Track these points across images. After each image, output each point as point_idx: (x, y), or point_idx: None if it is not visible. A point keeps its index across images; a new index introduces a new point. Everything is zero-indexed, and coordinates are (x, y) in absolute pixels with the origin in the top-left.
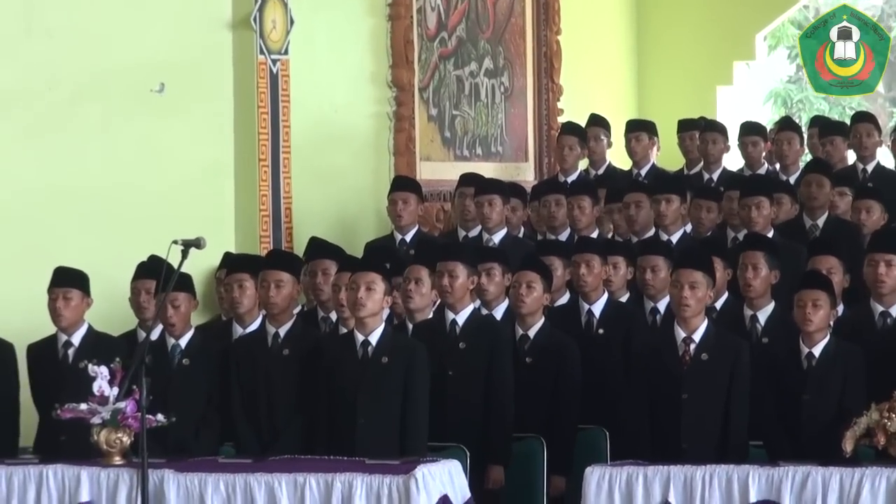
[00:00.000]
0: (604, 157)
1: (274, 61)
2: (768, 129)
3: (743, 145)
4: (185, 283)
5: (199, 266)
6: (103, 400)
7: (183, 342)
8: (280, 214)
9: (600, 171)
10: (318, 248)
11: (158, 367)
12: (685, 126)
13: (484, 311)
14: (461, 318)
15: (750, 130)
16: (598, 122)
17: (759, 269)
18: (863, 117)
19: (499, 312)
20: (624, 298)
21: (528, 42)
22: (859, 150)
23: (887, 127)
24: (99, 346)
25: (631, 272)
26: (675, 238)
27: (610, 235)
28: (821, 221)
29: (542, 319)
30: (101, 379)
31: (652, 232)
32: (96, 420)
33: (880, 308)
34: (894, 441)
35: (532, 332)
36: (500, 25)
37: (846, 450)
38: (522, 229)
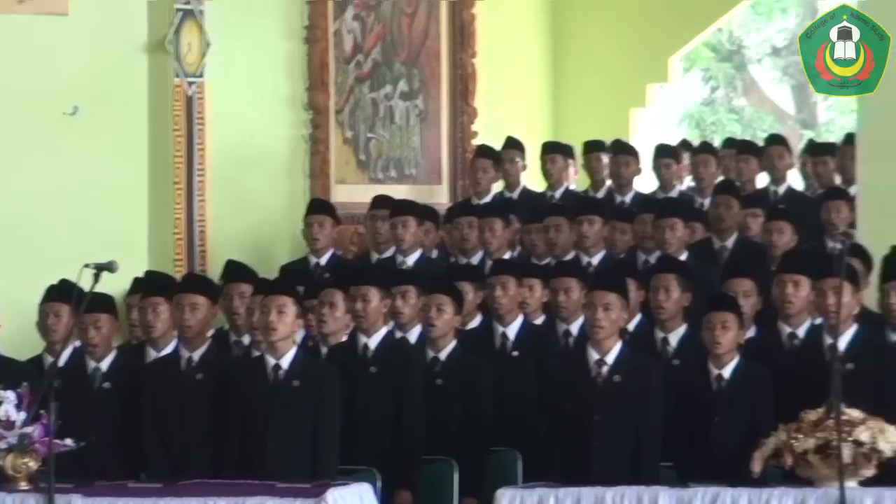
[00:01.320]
0: (518, 180)
1: (190, 84)
2: (681, 151)
3: (657, 167)
4: (106, 304)
5: (112, 290)
6: (9, 425)
7: (104, 365)
8: (194, 237)
9: (515, 194)
10: (235, 270)
11: (77, 391)
12: (592, 147)
13: (398, 334)
14: (373, 341)
15: (664, 153)
16: (513, 144)
17: (671, 291)
18: (775, 140)
19: (413, 335)
20: (539, 321)
21: (443, 65)
22: (772, 171)
23: (797, 149)
24: (6, 370)
25: (546, 294)
26: (595, 260)
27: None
28: (730, 243)
29: (454, 342)
30: (8, 403)
31: (572, 255)
32: (2, 445)
33: (788, 329)
34: (802, 462)
35: (443, 355)
36: (416, 48)
37: (755, 470)
38: (436, 252)
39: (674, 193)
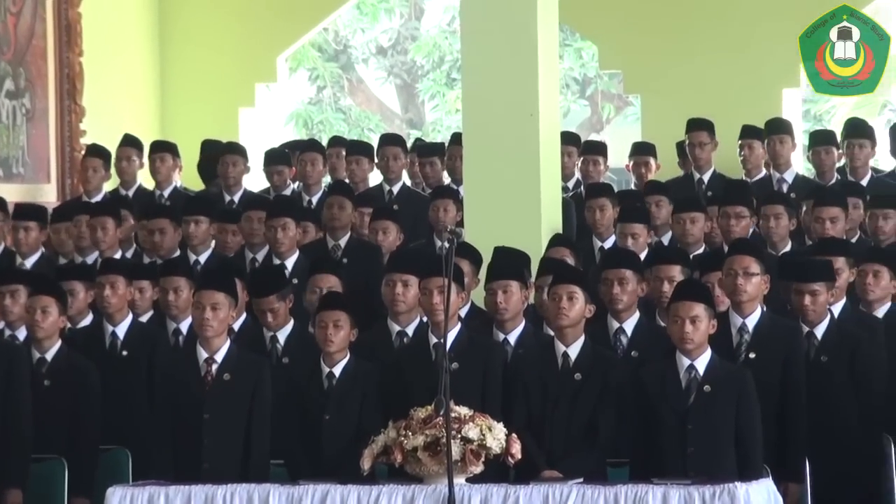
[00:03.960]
0: (135, 178)
1: None
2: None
3: (269, 175)
4: None
5: None
6: None
7: None
8: None
9: (131, 192)
10: None
11: None
12: (154, 148)
13: (7, 333)
14: None
15: (274, 159)
16: (131, 142)
17: None
18: (390, 140)
19: (22, 333)
20: (146, 318)
21: (50, 63)
22: (386, 172)
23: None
24: None
25: (156, 293)
26: (203, 258)
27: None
28: (343, 241)
29: (59, 342)
30: None
31: (177, 253)
32: None
33: (397, 327)
34: (411, 459)
35: (49, 356)
36: (22, 47)
37: (364, 468)
38: (42, 250)
39: (287, 192)
